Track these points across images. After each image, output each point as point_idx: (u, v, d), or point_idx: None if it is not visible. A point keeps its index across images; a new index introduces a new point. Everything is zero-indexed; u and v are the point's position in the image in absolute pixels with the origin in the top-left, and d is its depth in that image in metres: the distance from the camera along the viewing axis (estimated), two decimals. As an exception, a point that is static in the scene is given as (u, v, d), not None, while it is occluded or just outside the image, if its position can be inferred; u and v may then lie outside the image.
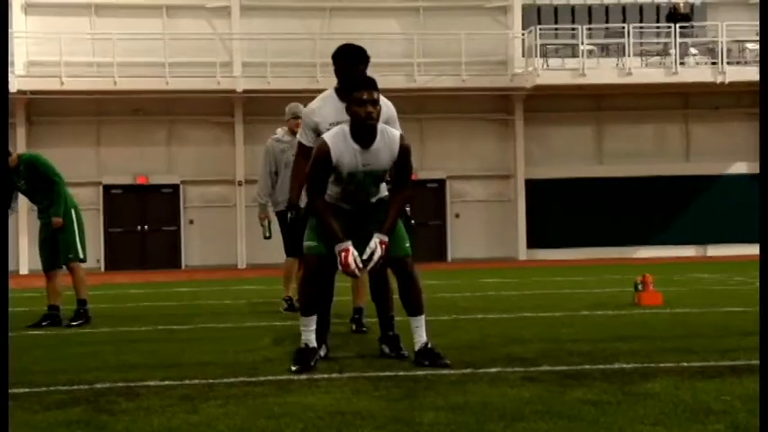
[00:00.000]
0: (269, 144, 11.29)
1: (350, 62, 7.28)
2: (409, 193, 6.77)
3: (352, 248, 6.54)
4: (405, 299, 6.80)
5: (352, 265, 6.52)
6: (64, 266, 10.54)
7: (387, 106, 7.23)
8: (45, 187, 10.36)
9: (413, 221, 7.37)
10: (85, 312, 10.35)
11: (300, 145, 7.51)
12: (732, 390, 5.43)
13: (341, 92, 7.26)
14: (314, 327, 6.77)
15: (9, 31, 23.87)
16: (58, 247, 10.45)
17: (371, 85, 6.56)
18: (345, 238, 6.58)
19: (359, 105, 6.51)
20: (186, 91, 26.64)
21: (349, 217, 6.77)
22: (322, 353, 6.93)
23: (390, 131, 6.67)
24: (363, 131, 6.55)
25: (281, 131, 11.25)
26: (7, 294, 9.41)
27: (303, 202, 7.28)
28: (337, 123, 7.00)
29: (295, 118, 10.75)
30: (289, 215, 7.75)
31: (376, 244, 6.57)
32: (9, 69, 22.78)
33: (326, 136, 6.66)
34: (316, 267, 6.74)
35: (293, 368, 6.46)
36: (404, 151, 6.63)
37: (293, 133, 10.66)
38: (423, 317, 6.76)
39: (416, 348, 6.69)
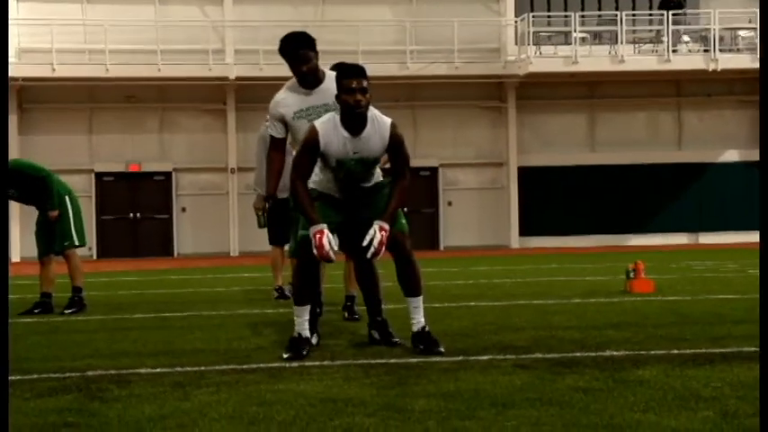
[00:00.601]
0: (263, 131, 11.12)
1: (297, 47, 7.22)
2: (408, 182, 6.70)
3: (327, 231, 6.45)
4: (402, 279, 6.74)
5: (326, 247, 6.43)
6: (60, 255, 10.54)
7: None
8: (37, 186, 10.30)
9: (405, 209, 7.36)
10: (80, 300, 10.35)
11: (271, 137, 7.53)
12: (722, 377, 5.44)
13: (301, 80, 7.26)
14: (307, 317, 6.74)
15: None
16: (53, 234, 10.44)
17: (360, 72, 6.53)
18: (336, 226, 6.56)
19: (347, 93, 6.46)
20: (178, 78, 26.60)
21: (342, 206, 6.75)
22: (314, 341, 6.93)
23: (381, 119, 6.62)
24: (352, 119, 6.52)
25: (272, 116, 11.18)
26: (7, 290, 9.41)
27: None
28: (302, 111, 7.14)
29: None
30: (266, 205, 7.81)
31: (375, 230, 6.49)
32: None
33: (317, 122, 6.63)
34: (309, 256, 6.68)
35: (285, 355, 6.46)
36: (395, 139, 6.60)
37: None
38: (420, 297, 6.72)
39: (414, 330, 6.67)
